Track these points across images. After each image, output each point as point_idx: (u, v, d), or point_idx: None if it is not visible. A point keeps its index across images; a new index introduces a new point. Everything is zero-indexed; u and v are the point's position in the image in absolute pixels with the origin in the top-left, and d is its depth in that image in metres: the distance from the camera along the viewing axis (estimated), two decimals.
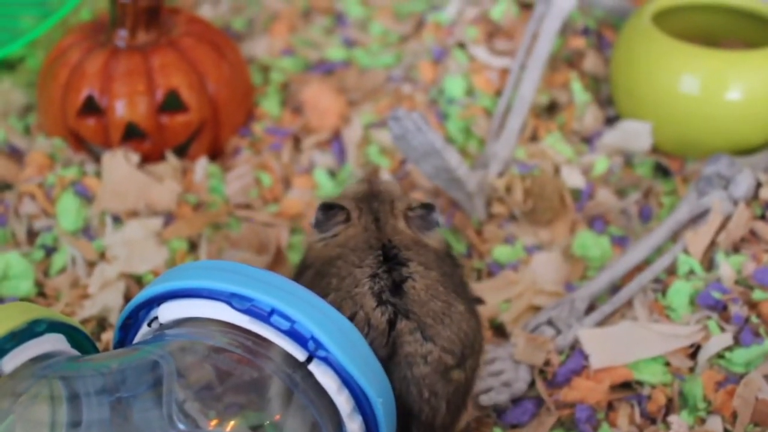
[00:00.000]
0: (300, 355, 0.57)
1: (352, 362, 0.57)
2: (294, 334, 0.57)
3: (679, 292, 0.79)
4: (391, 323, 0.63)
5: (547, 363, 0.76)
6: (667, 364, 0.75)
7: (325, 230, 0.71)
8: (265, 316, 0.57)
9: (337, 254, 0.69)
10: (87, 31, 0.97)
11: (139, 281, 0.83)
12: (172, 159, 0.94)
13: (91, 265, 0.86)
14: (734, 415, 0.70)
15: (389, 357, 0.63)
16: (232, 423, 0.55)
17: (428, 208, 0.72)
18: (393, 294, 0.64)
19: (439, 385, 0.64)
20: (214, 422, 0.55)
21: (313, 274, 0.69)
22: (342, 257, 0.68)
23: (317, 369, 0.57)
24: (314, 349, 0.57)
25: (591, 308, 0.82)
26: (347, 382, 0.57)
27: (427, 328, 0.64)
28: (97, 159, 0.94)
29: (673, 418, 0.70)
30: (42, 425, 0.53)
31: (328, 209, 0.71)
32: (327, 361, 0.57)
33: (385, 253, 0.67)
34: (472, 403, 0.72)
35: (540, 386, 0.75)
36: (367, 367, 0.58)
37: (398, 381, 0.63)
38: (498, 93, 1.03)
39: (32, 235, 0.89)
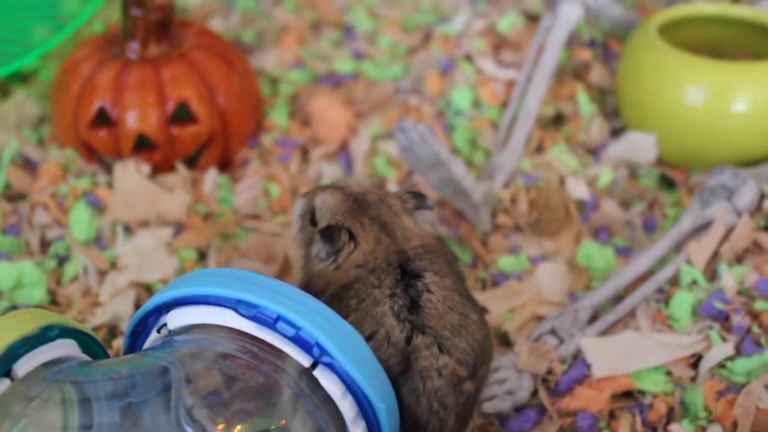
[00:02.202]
0: (305, 361, 0.58)
1: (356, 368, 0.58)
2: (299, 341, 0.58)
3: (682, 302, 0.80)
4: (408, 339, 0.64)
5: (549, 372, 0.77)
6: (669, 373, 0.76)
7: (333, 256, 0.69)
8: (271, 322, 0.58)
9: (356, 277, 0.67)
10: (99, 43, 0.99)
11: (149, 290, 0.85)
12: (182, 170, 0.96)
13: (102, 274, 0.87)
14: (735, 425, 0.70)
15: (402, 371, 0.64)
16: (238, 428, 0.56)
17: (419, 196, 0.71)
18: (410, 311, 0.65)
19: (450, 398, 0.64)
20: (221, 427, 0.56)
21: (327, 299, 0.67)
22: (360, 279, 0.67)
23: (322, 375, 0.58)
24: (319, 355, 0.58)
25: (594, 318, 0.82)
26: (351, 388, 0.58)
27: (445, 340, 0.64)
28: (108, 170, 0.96)
29: (674, 427, 0.71)
30: (53, 429, 0.54)
31: (330, 234, 0.68)
32: (331, 367, 0.58)
33: (401, 266, 0.67)
34: (477, 412, 0.73)
35: (543, 395, 0.75)
36: (371, 374, 0.59)
37: (408, 393, 0.64)
38: (504, 105, 1.04)
39: (45, 244, 0.90)
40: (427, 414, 0.64)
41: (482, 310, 0.72)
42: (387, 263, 0.67)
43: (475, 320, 0.66)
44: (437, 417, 0.64)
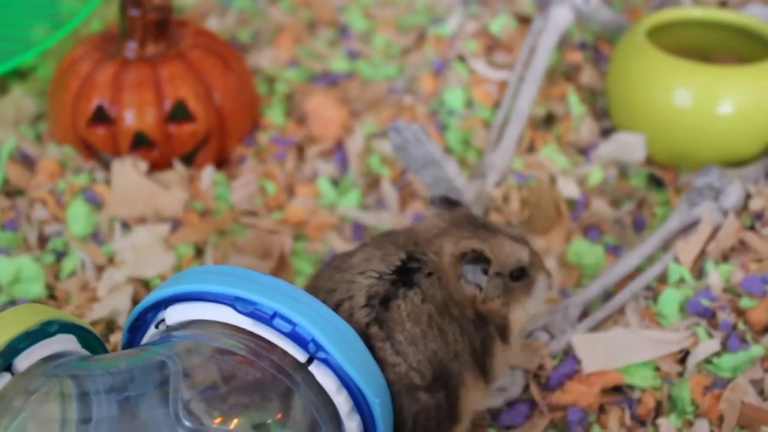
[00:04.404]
0: (301, 356, 0.59)
1: (351, 364, 0.59)
2: (295, 337, 0.59)
3: (670, 299, 0.81)
4: (368, 325, 0.65)
5: (541, 367, 0.78)
6: (657, 368, 0.77)
7: (434, 205, 0.74)
8: (267, 319, 0.59)
9: (387, 233, 0.72)
10: (97, 42, 1.00)
11: (146, 285, 0.86)
12: (179, 167, 0.97)
13: (100, 269, 0.88)
14: (721, 419, 0.72)
15: None
16: (235, 421, 0.57)
17: (473, 260, 0.67)
18: (381, 302, 0.66)
19: (404, 399, 0.64)
20: (218, 420, 0.57)
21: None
22: (377, 242, 0.70)
23: (317, 370, 0.59)
24: (314, 351, 0.59)
25: (584, 314, 0.84)
26: (346, 382, 0.59)
27: (397, 344, 0.64)
28: (106, 167, 0.97)
29: (662, 421, 0.72)
30: (53, 422, 0.55)
31: (441, 198, 0.74)
32: (327, 362, 0.59)
33: (404, 264, 0.67)
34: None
35: (534, 389, 0.77)
36: (365, 369, 0.60)
37: None
38: (496, 105, 1.05)
39: (43, 239, 0.91)
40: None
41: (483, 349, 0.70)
42: (396, 246, 0.68)
43: (441, 348, 0.66)
44: (396, 412, 0.65)
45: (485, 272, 0.68)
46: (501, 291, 0.69)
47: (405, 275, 0.67)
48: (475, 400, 0.69)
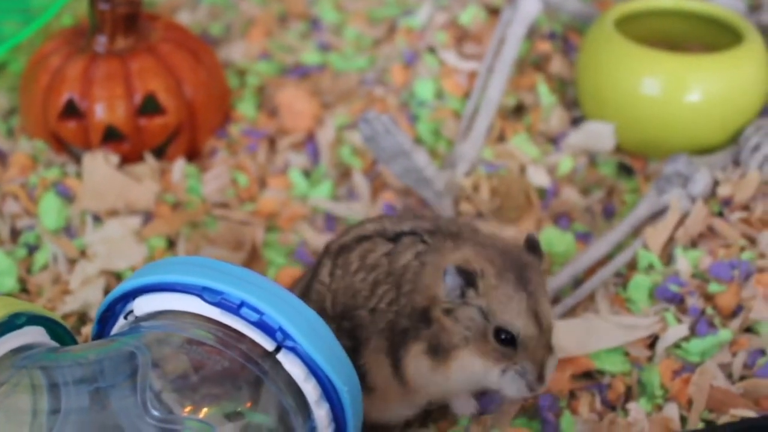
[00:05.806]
0: (268, 345, 0.59)
1: (319, 352, 0.59)
2: (263, 326, 0.59)
3: (639, 285, 0.82)
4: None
5: None
6: (627, 354, 0.78)
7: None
8: (234, 308, 0.59)
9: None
10: (68, 36, 1.00)
11: (118, 278, 0.85)
12: (150, 160, 0.97)
13: (72, 262, 0.88)
14: (690, 402, 0.72)
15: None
16: (205, 410, 0.58)
17: (462, 271, 0.64)
18: (356, 240, 0.71)
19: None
20: (188, 409, 0.57)
21: None
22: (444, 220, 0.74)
23: (285, 358, 0.59)
24: (282, 339, 0.59)
25: (555, 301, 0.84)
26: (314, 370, 0.60)
27: (332, 267, 0.71)
28: (77, 160, 0.97)
29: (631, 406, 0.72)
30: (23, 413, 0.56)
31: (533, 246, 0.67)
32: (294, 351, 0.59)
33: (401, 233, 0.70)
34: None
35: None
36: (333, 357, 0.61)
37: None
38: (466, 95, 1.06)
39: (15, 233, 0.91)
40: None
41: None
42: (432, 223, 0.71)
43: (362, 292, 0.69)
44: None
45: (462, 291, 0.64)
46: (472, 325, 0.64)
47: (396, 239, 0.70)
48: (381, 378, 0.69)
